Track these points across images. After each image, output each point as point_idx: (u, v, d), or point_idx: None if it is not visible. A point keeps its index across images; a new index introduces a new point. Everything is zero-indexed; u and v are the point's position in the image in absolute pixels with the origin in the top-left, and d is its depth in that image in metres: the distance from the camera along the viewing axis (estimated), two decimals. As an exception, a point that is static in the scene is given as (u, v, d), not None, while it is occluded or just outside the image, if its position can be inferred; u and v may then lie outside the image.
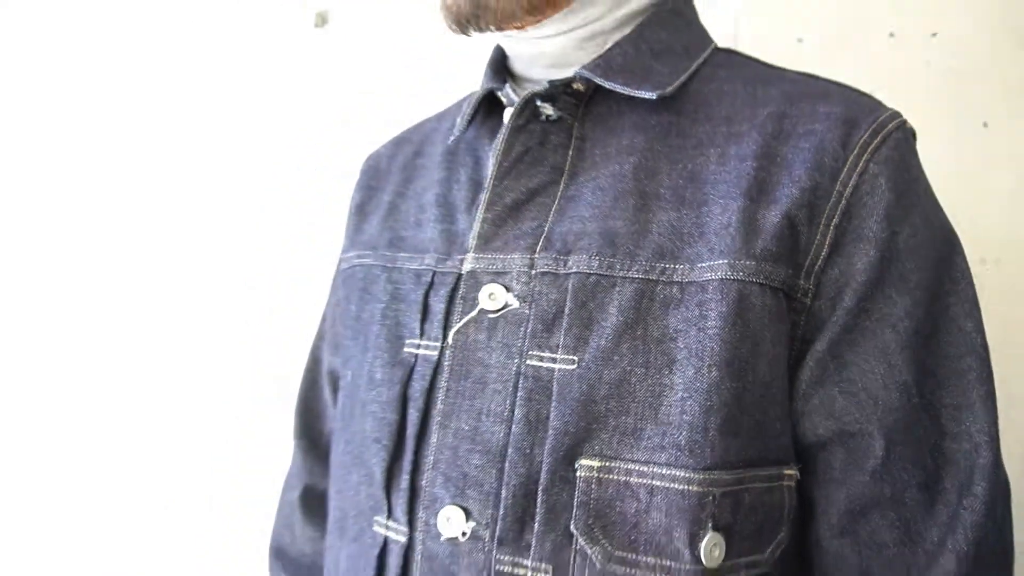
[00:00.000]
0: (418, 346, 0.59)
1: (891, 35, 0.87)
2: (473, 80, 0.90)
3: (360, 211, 0.72)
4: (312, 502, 0.77)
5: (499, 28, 0.59)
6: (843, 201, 0.53)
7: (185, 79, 1.20)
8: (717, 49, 0.64)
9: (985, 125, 0.85)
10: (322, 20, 1.14)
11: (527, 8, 0.57)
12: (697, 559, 0.49)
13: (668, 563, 0.50)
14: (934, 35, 0.86)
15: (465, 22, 0.59)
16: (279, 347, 1.21)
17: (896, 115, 0.56)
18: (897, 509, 0.52)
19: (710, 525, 0.50)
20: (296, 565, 0.77)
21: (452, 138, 0.65)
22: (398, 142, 0.76)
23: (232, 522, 1.23)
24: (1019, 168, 0.85)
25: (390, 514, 0.57)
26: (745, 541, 0.51)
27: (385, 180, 0.72)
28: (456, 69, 1.14)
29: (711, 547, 0.50)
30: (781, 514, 0.53)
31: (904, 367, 0.53)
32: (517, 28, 0.59)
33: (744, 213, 0.52)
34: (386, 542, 0.57)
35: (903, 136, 0.55)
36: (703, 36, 0.64)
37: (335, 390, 0.75)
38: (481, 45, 1.17)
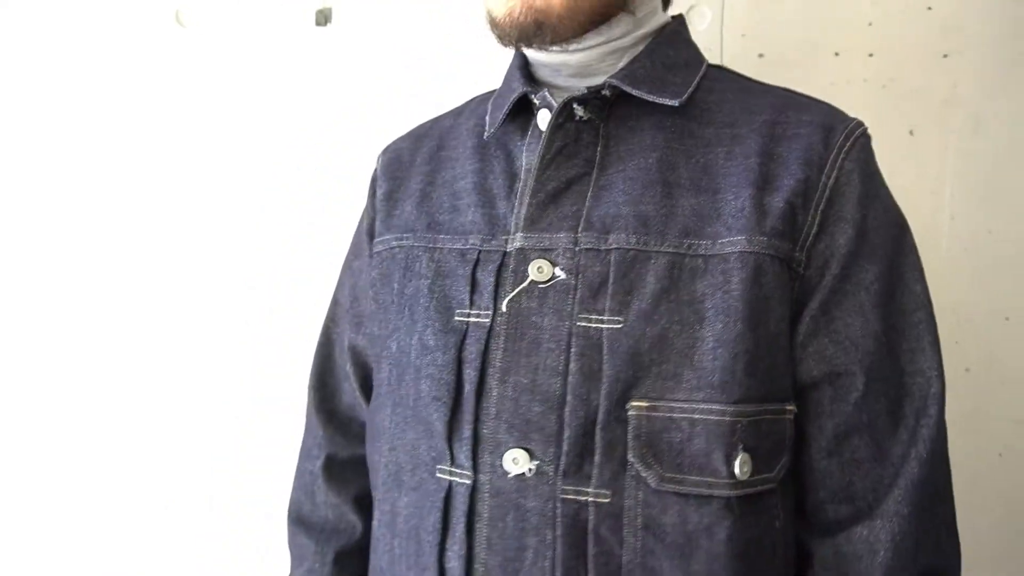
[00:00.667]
0: (468, 315, 0.68)
1: (836, 54, 1.06)
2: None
3: (389, 198, 0.79)
4: (335, 470, 0.84)
5: (552, 45, 0.69)
6: (827, 191, 0.67)
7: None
8: (709, 65, 0.76)
9: (911, 133, 1.03)
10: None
11: (578, 31, 0.69)
12: (732, 474, 0.62)
13: (709, 479, 0.62)
14: (871, 55, 1.05)
15: (524, 40, 0.69)
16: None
17: (860, 123, 0.70)
18: (871, 432, 0.66)
19: (740, 447, 0.63)
20: (319, 530, 0.84)
21: (487, 134, 0.74)
22: (416, 137, 0.83)
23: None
24: (940, 170, 1.02)
25: (453, 461, 0.65)
26: (762, 461, 0.64)
27: (410, 171, 0.80)
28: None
29: (742, 464, 0.62)
30: (784, 441, 0.66)
31: (875, 320, 0.67)
32: (563, 45, 0.70)
33: (754, 199, 0.65)
34: (450, 486, 0.65)
35: (866, 140, 0.70)
36: (698, 53, 0.76)
37: (357, 364, 0.83)
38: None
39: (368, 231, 0.82)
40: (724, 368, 0.62)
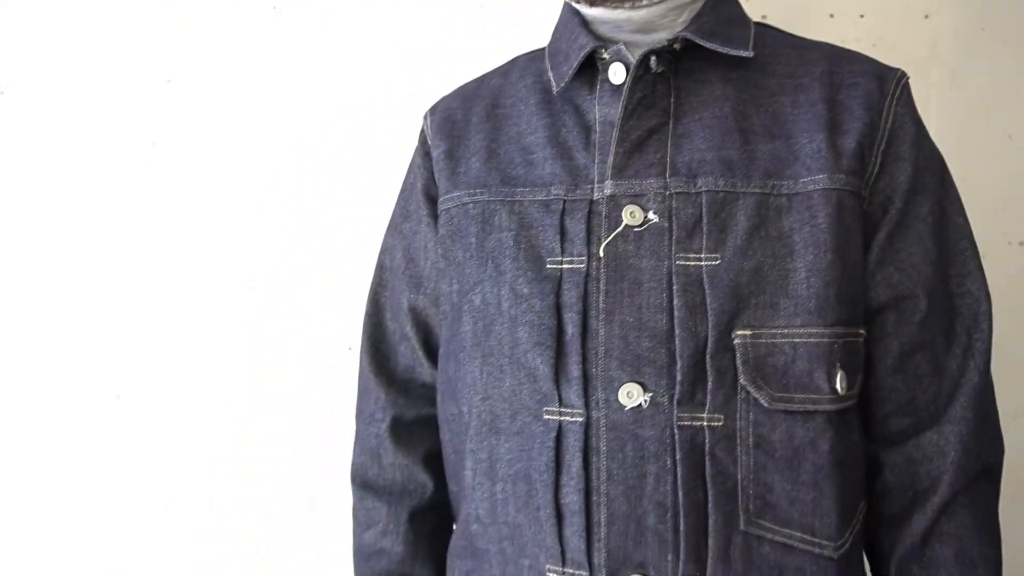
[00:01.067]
0: (560, 262, 0.72)
1: (830, 16, 1.16)
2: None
3: (450, 157, 0.81)
4: (401, 432, 0.85)
5: (625, 1, 0.74)
6: (886, 133, 0.73)
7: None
8: (754, 22, 0.81)
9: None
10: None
11: None
12: (833, 390, 0.68)
13: (813, 396, 0.68)
14: (862, 16, 1.15)
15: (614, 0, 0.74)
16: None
17: (904, 72, 0.76)
18: (932, 350, 0.73)
19: (838, 365, 0.69)
20: (388, 492, 0.85)
21: (556, 89, 0.77)
22: (464, 97, 0.86)
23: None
24: (924, 118, 1.08)
25: (562, 402, 0.69)
26: (851, 377, 0.70)
27: (467, 129, 0.82)
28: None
29: (841, 381, 0.69)
30: (861, 361, 0.72)
31: (931, 248, 0.73)
32: (633, 1, 0.74)
33: (828, 142, 0.71)
34: (560, 426, 0.69)
35: (909, 87, 0.76)
36: (744, 11, 0.81)
37: (418, 325, 0.84)
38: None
39: (425, 191, 0.83)
40: (818, 295, 0.68)
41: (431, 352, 0.84)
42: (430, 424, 0.85)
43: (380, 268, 0.89)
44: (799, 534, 0.68)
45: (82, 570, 1.25)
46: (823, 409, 0.68)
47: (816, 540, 0.68)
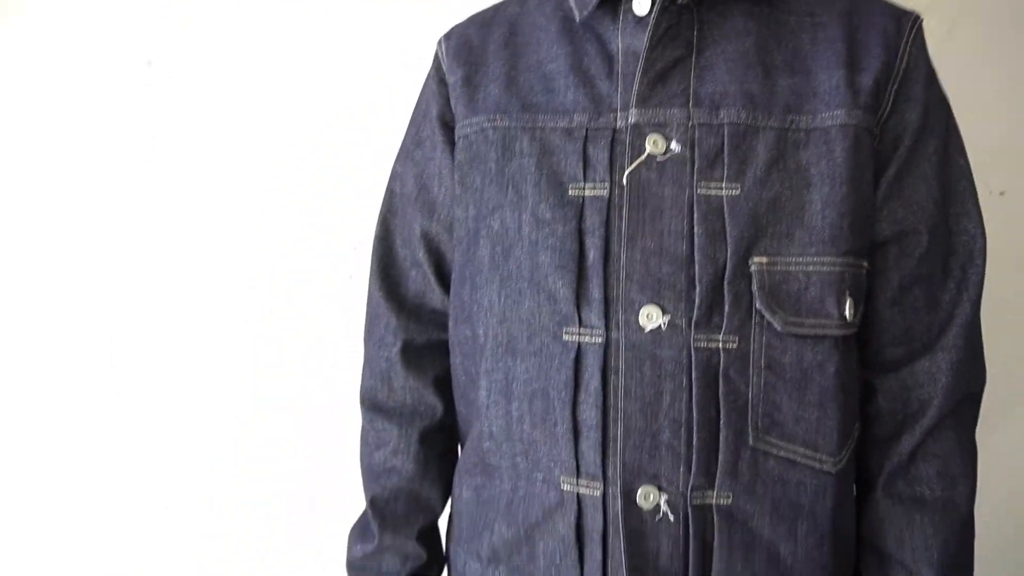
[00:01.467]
0: (583, 189, 0.74)
1: None
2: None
3: (468, 83, 0.82)
4: (412, 355, 0.86)
5: None
6: (900, 73, 0.75)
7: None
8: None
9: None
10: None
11: None
12: (842, 316, 0.72)
13: (823, 321, 0.71)
14: None
15: None
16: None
17: (920, 16, 0.78)
18: (929, 284, 0.77)
19: (848, 292, 0.72)
20: (399, 414, 0.86)
21: (579, 17, 0.78)
22: (480, 24, 0.86)
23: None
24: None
25: (582, 323, 0.72)
26: (856, 306, 0.74)
27: (485, 55, 0.83)
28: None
29: (850, 307, 0.72)
30: (863, 292, 0.76)
31: (935, 187, 0.77)
32: None
33: (846, 79, 0.73)
34: (580, 346, 0.72)
35: (923, 30, 0.78)
36: None
37: (430, 251, 0.86)
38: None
39: (440, 118, 0.84)
40: (833, 226, 0.71)
41: (443, 278, 0.85)
42: (440, 348, 0.86)
43: (390, 194, 0.89)
44: (802, 450, 0.72)
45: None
46: (831, 334, 0.72)
47: (817, 456, 0.72)
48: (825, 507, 0.72)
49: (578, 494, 0.72)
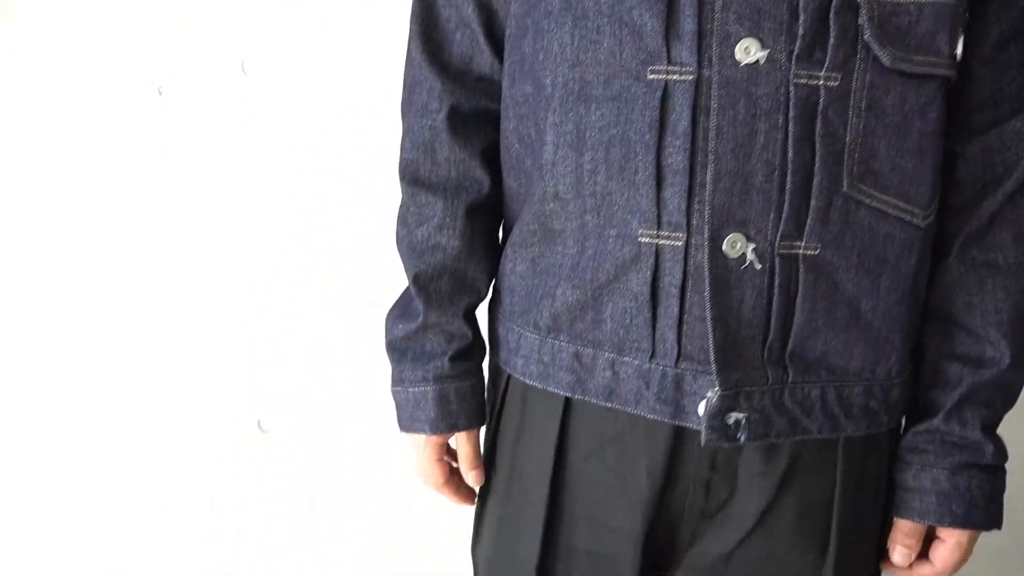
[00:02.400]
0: None
1: None
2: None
3: None
4: (458, 123, 0.80)
5: None
6: None
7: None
8: None
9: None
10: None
11: None
12: (952, 55, 0.69)
13: (933, 58, 0.68)
14: None
15: None
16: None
17: None
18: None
19: (960, 29, 0.70)
20: (443, 188, 0.81)
21: None
22: None
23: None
24: None
25: (671, 60, 0.66)
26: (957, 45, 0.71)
27: None
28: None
29: (959, 44, 0.70)
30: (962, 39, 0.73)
31: None
32: None
33: None
34: (667, 85, 0.66)
35: None
36: None
37: (480, 6, 0.79)
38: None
39: None
40: None
41: (494, 38, 0.79)
42: (487, 118, 0.81)
43: None
44: (895, 201, 0.69)
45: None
46: (939, 74, 0.69)
47: (909, 208, 0.70)
48: (909, 264, 0.71)
49: (657, 246, 0.68)
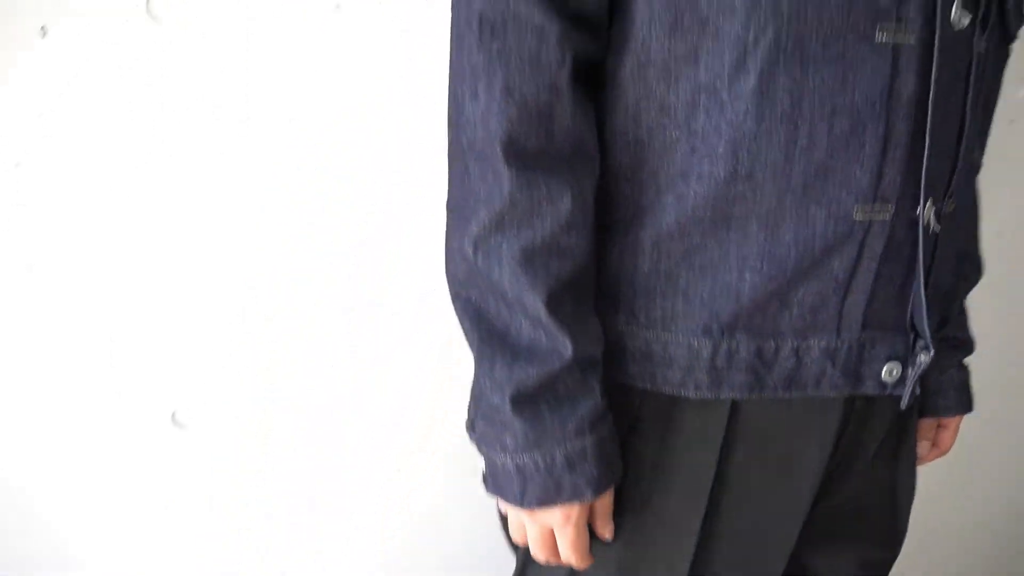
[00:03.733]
0: None
1: None
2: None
3: None
4: (580, 81, 0.62)
5: None
6: None
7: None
8: None
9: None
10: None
11: None
12: None
13: (1019, 30, 0.70)
14: None
15: None
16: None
17: None
18: None
19: None
20: (567, 171, 0.62)
21: None
22: None
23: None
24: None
25: (899, 18, 0.60)
26: None
27: None
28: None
29: None
30: None
31: None
32: None
33: None
34: (894, 48, 0.61)
35: None
36: None
37: None
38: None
39: None
40: None
41: None
42: (598, 75, 0.65)
43: None
44: (979, 154, 0.76)
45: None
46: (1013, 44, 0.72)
47: (979, 160, 0.78)
48: (973, 208, 0.80)
49: (870, 222, 0.63)
